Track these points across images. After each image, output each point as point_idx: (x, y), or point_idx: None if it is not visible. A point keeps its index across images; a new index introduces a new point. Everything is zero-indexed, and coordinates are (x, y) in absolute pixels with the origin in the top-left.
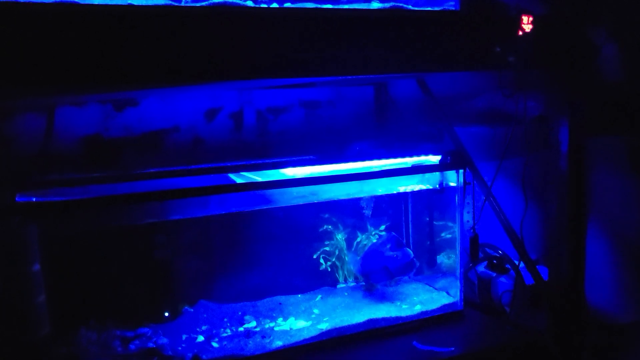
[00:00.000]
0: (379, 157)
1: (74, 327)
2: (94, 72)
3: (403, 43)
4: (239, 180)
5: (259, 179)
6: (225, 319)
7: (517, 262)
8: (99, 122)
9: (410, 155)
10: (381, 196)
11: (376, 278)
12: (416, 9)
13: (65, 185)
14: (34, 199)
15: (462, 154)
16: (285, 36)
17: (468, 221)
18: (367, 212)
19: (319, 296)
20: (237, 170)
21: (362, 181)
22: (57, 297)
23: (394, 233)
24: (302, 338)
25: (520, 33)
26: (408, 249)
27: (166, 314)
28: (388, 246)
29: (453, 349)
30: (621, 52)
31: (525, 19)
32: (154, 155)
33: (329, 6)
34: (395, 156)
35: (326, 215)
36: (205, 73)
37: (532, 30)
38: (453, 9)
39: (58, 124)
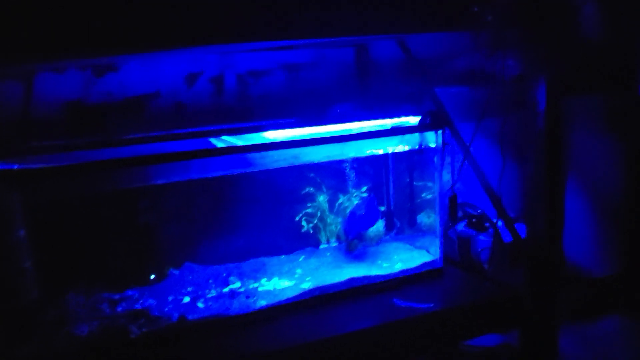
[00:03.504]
0: (360, 119)
1: (62, 291)
2: (74, 38)
3: (382, 4)
4: (220, 145)
5: (241, 143)
6: (210, 281)
7: (495, 221)
8: (80, 88)
9: (391, 117)
10: (362, 158)
11: (351, 234)
12: None
13: (47, 152)
14: (15, 167)
15: (441, 115)
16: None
17: (448, 181)
18: (349, 174)
19: (302, 257)
20: (218, 134)
21: (343, 143)
22: (45, 263)
23: (372, 194)
24: (285, 297)
25: None
26: (376, 206)
27: (152, 277)
28: (362, 206)
29: (432, 304)
30: (601, 11)
31: None
32: (136, 120)
33: None
34: (375, 118)
35: (311, 175)
36: (183, 38)
37: None
38: None
39: (38, 90)
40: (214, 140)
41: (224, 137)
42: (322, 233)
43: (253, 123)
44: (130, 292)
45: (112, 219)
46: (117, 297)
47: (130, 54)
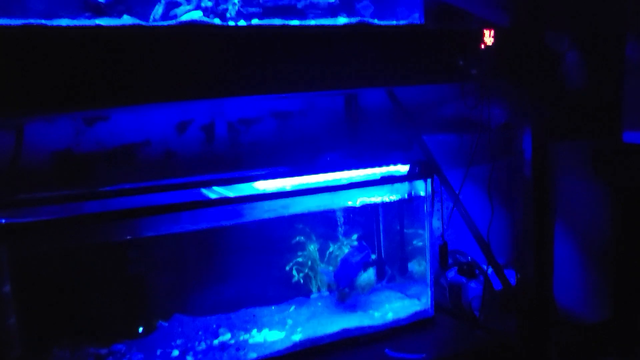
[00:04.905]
0: (350, 168)
1: (46, 346)
2: (64, 96)
3: (370, 57)
4: (211, 195)
5: (231, 194)
6: (200, 332)
7: (486, 268)
8: (69, 137)
9: (380, 165)
10: (352, 207)
11: (343, 283)
12: (382, 23)
13: (35, 204)
14: (3, 221)
15: (429, 163)
16: (255, 53)
17: (438, 228)
18: (340, 222)
19: (293, 307)
20: (208, 185)
21: (333, 193)
22: (28, 317)
23: (363, 242)
24: (276, 350)
25: (483, 47)
26: (369, 253)
27: (140, 330)
28: (355, 254)
29: (424, 355)
30: (583, 58)
31: (487, 32)
32: (126, 169)
33: (297, 22)
34: (365, 166)
35: (300, 226)
36: (175, 93)
37: (494, 43)
38: (418, 22)
39: (28, 139)
40: (205, 191)
41: (215, 188)
42: (313, 282)
43: (244, 172)
44: (117, 347)
45: (99, 271)
46: (103, 351)
47: (121, 107)
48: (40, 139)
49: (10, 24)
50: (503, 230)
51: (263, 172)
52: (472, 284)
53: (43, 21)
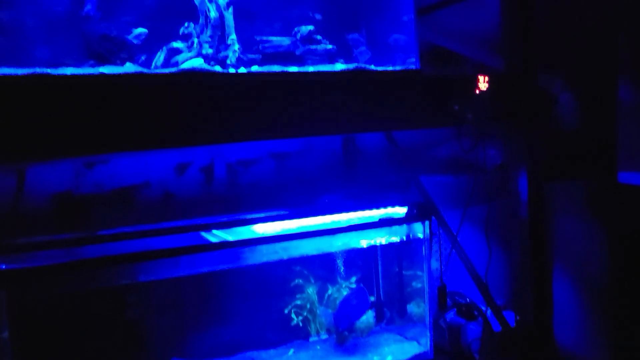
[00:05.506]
0: (348, 210)
1: None
2: (67, 142)
3: (367, 102)
4: (210, 238)
5: (230, 237)
6: None
7: (484, 309)
8: (69, 179)
9: (378, 207)
10: (351, 249)
11: (342, 325)
12: (378, 69)
13: (34, 249)
14: (3, 266)
15: (427, 206)
16: (255, 100)
17: (436, 269)
18: (338, 265)
19: (292, 350)
20: (207, 228)
21: (332, 236)
22: None
23: (361, 284)
24: None
25: (477, 92)
26: (367, 295)
27: None
28: (354, 296)
29: None
30: (577, 99)
31: (481, 78)
32: (125, 211)
33: (295, 69)
34: (363, 208)
35: (298, 269)
36: (175, 139)
37: (488, 88)
38: (414, 67)
39: (28, 181)
40: (204, 234)
41: (214, 231)
42: (312, 325)
43: (243, 214)
44: None
45: (97, 315)
46: None
47: (122, 153)
48: (41, 181)
49: (17, 74)
50: (501, 271)
51: (262, 215)
52: (471, 326)
53: (48, 70)
